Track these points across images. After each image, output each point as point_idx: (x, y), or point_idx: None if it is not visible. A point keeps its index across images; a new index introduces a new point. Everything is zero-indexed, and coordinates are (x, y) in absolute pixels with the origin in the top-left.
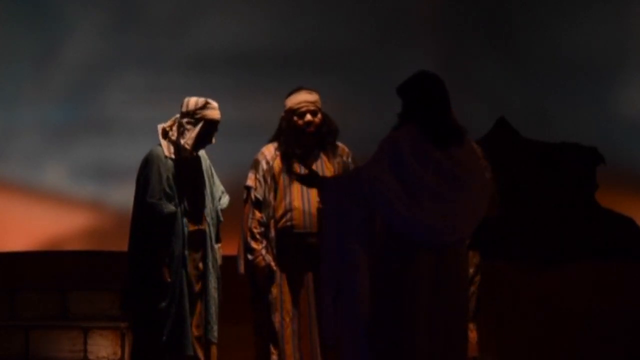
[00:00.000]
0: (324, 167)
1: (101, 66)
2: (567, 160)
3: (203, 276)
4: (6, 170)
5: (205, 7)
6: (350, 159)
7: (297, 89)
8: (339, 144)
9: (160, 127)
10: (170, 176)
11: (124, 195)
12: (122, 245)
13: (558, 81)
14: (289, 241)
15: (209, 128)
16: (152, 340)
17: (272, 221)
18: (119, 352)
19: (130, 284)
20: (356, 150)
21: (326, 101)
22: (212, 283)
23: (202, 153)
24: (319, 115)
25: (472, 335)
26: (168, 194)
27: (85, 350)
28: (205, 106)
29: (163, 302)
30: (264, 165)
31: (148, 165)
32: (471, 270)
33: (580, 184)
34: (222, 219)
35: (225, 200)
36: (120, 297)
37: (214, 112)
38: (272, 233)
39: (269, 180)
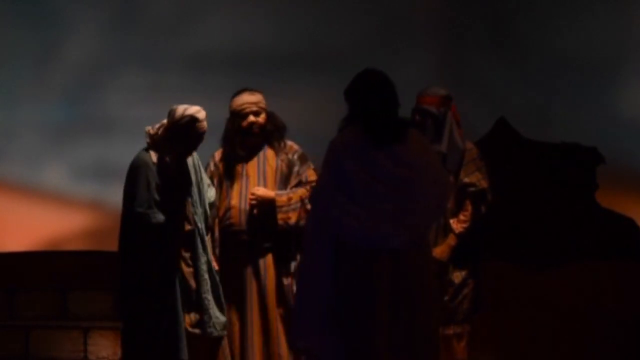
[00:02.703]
0: (267, 165)
1: (101, 66)
2: (567, 160)
3: (195, 275)
4: (6, 170)
5: (205, 7)
6: (296, 156)
7: (240, 91)
8: (288, 141)
9: (148, 130)
10: (159, 183)
11: None
12: None
13: (558, 81)
14: (229, 240)
15: (195, 141)
16: (146, 346)
17: (216, 221)
18: (119, 353)
19: (122, 290)
20: None
21: (326, 101)
22: (205, 278)
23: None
24: (263, 115)
25: (463, 336)
26: (157, 202)
27: (85, 351)
28: (191, 121)
29: (158, 307)
30: (211, 167)
31: (135, 172)
32: (463, 273)
33: (580, 184)
34: (209, 212)
35: (211, 193)
36: (115, 301)
37: (200, 125)
38: (217, 233)
39: (215, 182)
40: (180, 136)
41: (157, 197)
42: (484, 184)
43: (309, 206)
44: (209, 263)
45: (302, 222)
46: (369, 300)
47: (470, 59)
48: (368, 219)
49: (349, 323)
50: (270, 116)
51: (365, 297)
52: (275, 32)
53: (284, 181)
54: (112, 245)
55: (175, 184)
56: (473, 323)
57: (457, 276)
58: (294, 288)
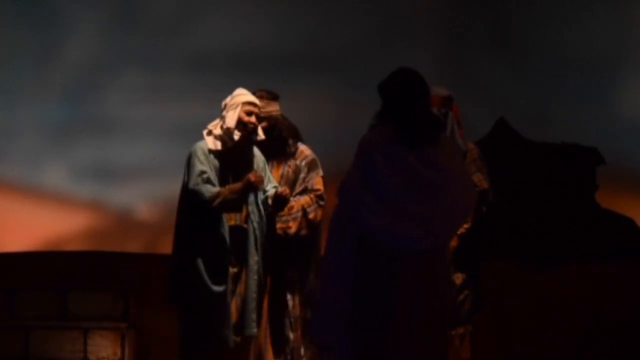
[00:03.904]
0: (273, 170)
1: (101, 66)
2: (567, 161)
3: (237, 275)
4: (6, 170)
5: (205, 7)
6: (304, 163)
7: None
8: (301, 146)
9: (205, 131)
10: (214, 169)
11: (124, 195)
12: (122, 245)
13: (558, 81)
14: None
15: (247, 109)
16: (202, 326)
17: None
18: (119, 353)
19: (178, 272)
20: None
21: (326, 101)
22: (255, 279)
23: (256, 151)
24: (262, 123)
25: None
26: (210, 180)
27: (85, 351)
28: (237, 93)
29: (215, 288)
30: None
31: (192, 157)
32: (464, 274)
33: (580, 184)
34: (264, 217)
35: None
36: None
37: (246, 96)
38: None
39: None
40: (232, 107)
41: (212, 177)
42: (484, 184)
43: (311, 215)
44: (260, 264)
45: (303, 232)
46: (390, 300)
47: (470, 59)
48: (396, 220)
49: (367, 322)
50: (275, 124)
51: (387, 297)
52: (275, 32)
53: (290, 187)
54: (112, 245)
55: (234, 168)
56: (474, 323)
57: (458, 277)
58: (288, 296)
